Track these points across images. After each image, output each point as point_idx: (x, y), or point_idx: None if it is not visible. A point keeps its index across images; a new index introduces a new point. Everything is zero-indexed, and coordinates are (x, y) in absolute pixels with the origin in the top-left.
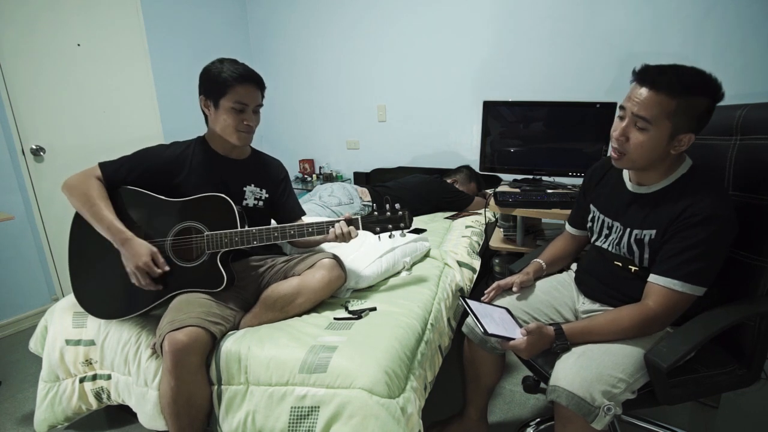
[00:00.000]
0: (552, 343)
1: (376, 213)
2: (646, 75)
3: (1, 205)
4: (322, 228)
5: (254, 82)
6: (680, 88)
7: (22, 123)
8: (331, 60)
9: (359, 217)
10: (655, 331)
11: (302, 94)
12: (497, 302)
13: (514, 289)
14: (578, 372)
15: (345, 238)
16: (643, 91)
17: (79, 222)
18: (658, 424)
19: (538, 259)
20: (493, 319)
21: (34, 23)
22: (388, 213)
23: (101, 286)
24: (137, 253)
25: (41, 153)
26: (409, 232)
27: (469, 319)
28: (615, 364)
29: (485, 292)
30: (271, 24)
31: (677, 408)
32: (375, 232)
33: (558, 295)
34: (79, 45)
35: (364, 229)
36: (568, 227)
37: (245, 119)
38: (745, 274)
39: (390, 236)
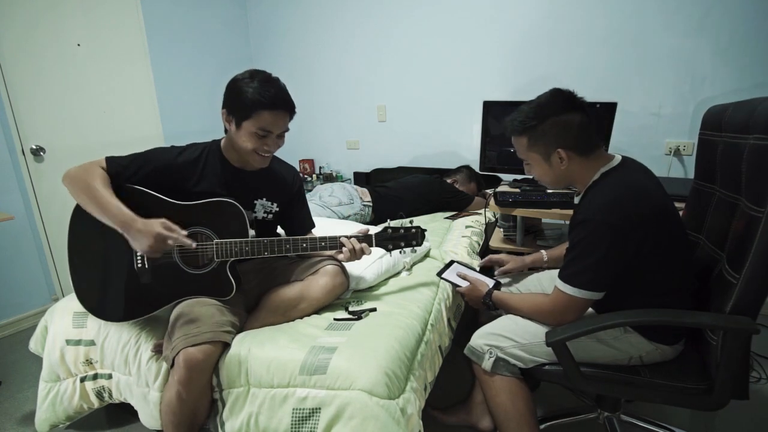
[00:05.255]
0: (483, 297)
1: (390, 230)
2: (507, 125)
3: (1, 205)
4: (335, 242)
5: (284, 108)
6: (518, 127)
7: (22, 123)
8: (331, 60)
9: (373, 234)
10: (550, 323)
11: (302, 94)
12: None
13: (500, 268)
14: (479, 333)
15: (357, 255)
16: (513, 139)
17: (79, 219)
18: (658, 424)
19: (543, 251)
20: (465, 278)
21: (34, 23)
22: (402, 230)
23: (104, 288)
24: (148, 226)
25: (41, 153)
26: None
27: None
28: (510, 330)
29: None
30: (272, 24)
31: (677, 408)
32: (388, 249)
33: (548, 285)
34: (79, 45)
35: (377, 245)
36: None
37: (266, 144)
38: (723, 289)
39: (401, 252)
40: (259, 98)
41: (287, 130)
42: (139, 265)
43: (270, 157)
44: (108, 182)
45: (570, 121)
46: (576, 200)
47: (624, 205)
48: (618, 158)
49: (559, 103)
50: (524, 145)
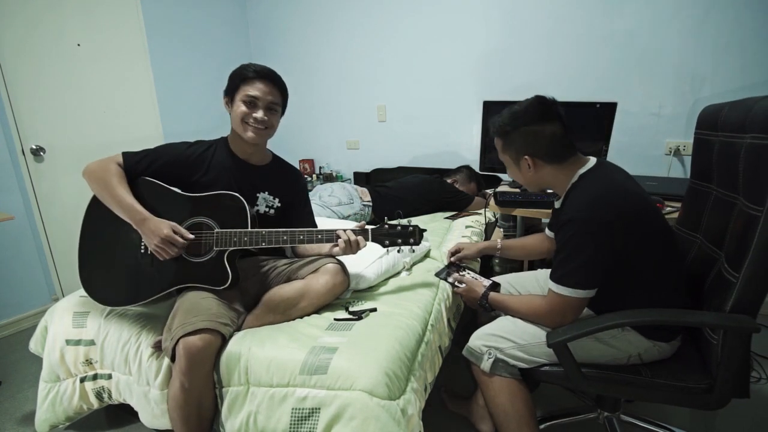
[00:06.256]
0: (479, 299)
1: (386, 226)
2: (490, 125)
3: (1, 205)
4: (331, 235)
5: (268, 79)
6: (496, 130)
7: (22, 123)
8: (331, 60)
9: (369, 229)
10: (547, 325)
11: (302, 94)
12: (497, 279)
13: (456, 255)
14: (478, 333)
15: (353, 248)
16: (495, 140)
17: (94, 207)
18: (658, 424)
19: (498, 239)
20: (462, 279)
21: (34, 23)
22: (399, 227)
23: (109, 272)
24: (158, 227)
25: (41, 153)
26: None
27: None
28: (509, 330)
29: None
30: (272, 24)
31: (677, 408)
32: (384, 245)
33: (546, 285)
34: (79, 45)
35: (373, 241)
36: (546, 230)
37: (254, 113)
38: (722, 288)
39: (398, 251)
40: (245, 71)
41: (279, 108)
42: (142, 251)
43: (261, 133)
44: (124, 178)
45: (540, 131)
46: (556, 204)
47: (606, 201)
48: (593, 160)
49: (535, 113)
50: (500, 147)
